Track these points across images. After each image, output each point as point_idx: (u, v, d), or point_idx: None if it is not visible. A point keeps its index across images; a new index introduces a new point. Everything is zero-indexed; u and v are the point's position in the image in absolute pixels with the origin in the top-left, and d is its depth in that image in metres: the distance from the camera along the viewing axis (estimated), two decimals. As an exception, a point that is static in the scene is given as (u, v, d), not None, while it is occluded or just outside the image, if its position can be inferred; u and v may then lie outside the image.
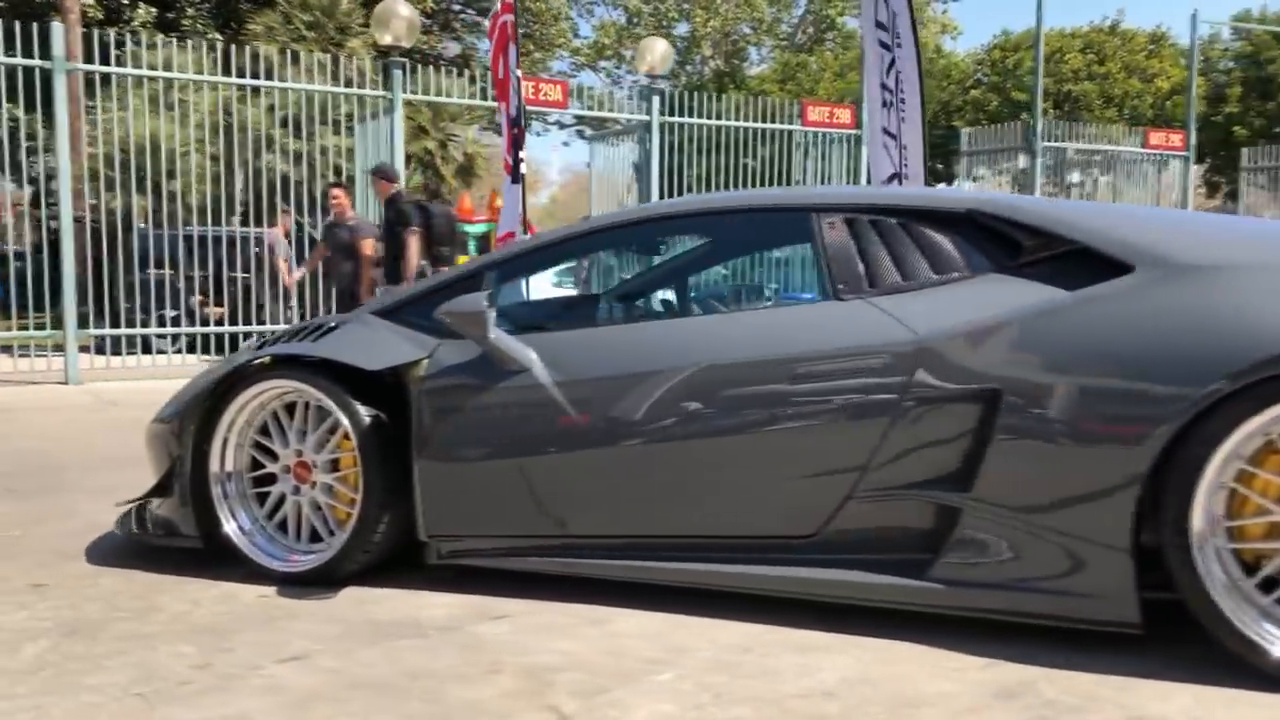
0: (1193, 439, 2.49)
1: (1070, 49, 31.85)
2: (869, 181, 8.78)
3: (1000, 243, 3.02)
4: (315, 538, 3.52)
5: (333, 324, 3.62)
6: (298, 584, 3.43)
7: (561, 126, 34.34)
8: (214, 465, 3.58)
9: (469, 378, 3.33)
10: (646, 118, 13.14)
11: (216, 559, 3.54)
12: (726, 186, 13.76)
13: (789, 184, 14.68)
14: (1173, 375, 2.52)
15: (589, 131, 20.49)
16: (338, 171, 11.91)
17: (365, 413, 3.35)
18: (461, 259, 10.82)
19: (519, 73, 7.46)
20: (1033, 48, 31.49)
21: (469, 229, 14.08)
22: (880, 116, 7.60)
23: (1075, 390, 2.66)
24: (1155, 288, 2.68)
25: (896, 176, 7.43)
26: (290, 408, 3.56)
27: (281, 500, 3.57)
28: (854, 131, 14.32)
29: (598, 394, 3.17)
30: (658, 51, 13.52)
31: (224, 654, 2.83)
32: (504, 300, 3.53)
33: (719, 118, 13.51)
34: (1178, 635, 2.67)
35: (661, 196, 13.00)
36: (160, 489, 3.70)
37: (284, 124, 12.75)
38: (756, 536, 3.04)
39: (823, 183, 14.69)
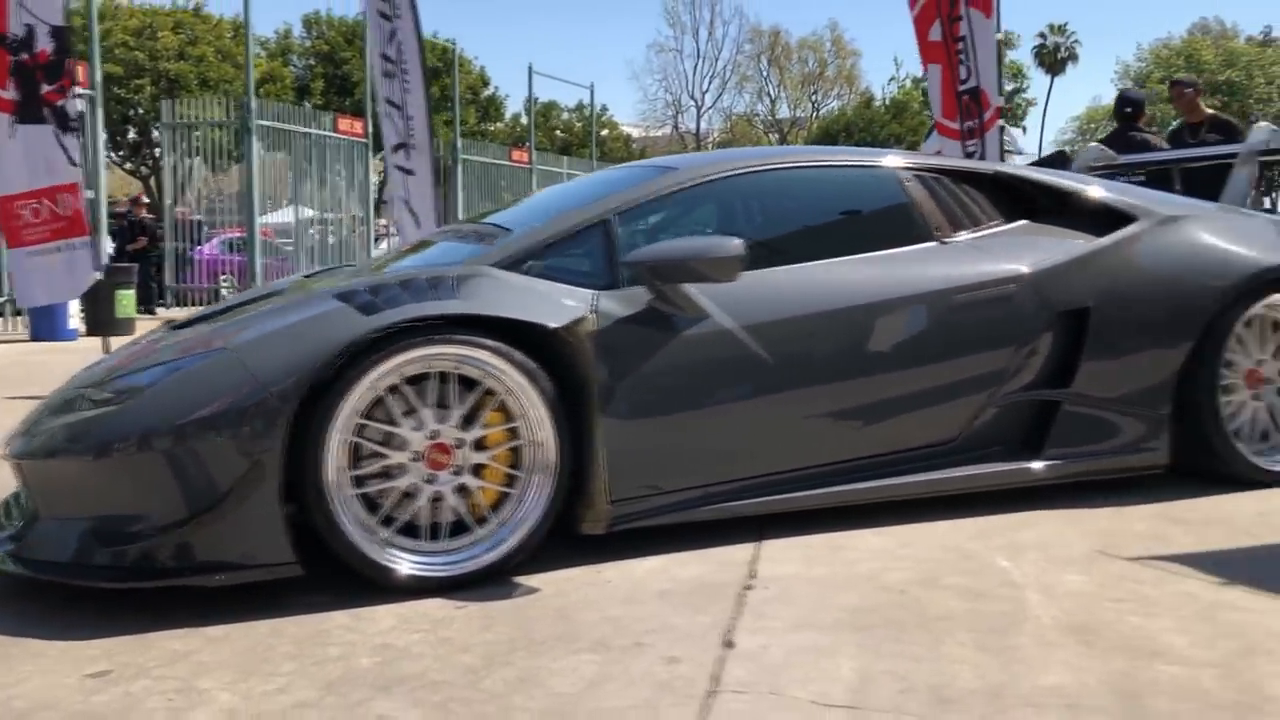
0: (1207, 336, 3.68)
1: (163, 27, 31.36)
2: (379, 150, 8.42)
3: (1016, 198, 3.88)
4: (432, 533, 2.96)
5: (454, 276, 3.02)
6: (460, 587, 2.90)
7: None
8: (329, 469, 2.78)
9: (650, 329, 3.14)
10: None
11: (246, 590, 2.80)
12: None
13: None
14: (1195, 288, 3.69)
15: None
16: None
17: (546, 375, 2.97)
18: None
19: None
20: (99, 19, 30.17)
21: None
22: (384, 86, 7.49)
23: (1138, 305, 3.67)
24: (1161, 230, 3.80)
25: (403, 146, 7.42)
26: (412, 380, 2.91)
27: (399, 497, 2.92)
28: (87, 91, 12.92)
29: (781, 335, 3.27)
30: None
31: (672, 665, 2.47)
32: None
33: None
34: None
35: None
36: (200, 517, 2.72)
37: None
38: (911, 449, 3.49)
39: None
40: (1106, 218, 3.85)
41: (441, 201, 7.20)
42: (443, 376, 2.92)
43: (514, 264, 3.19)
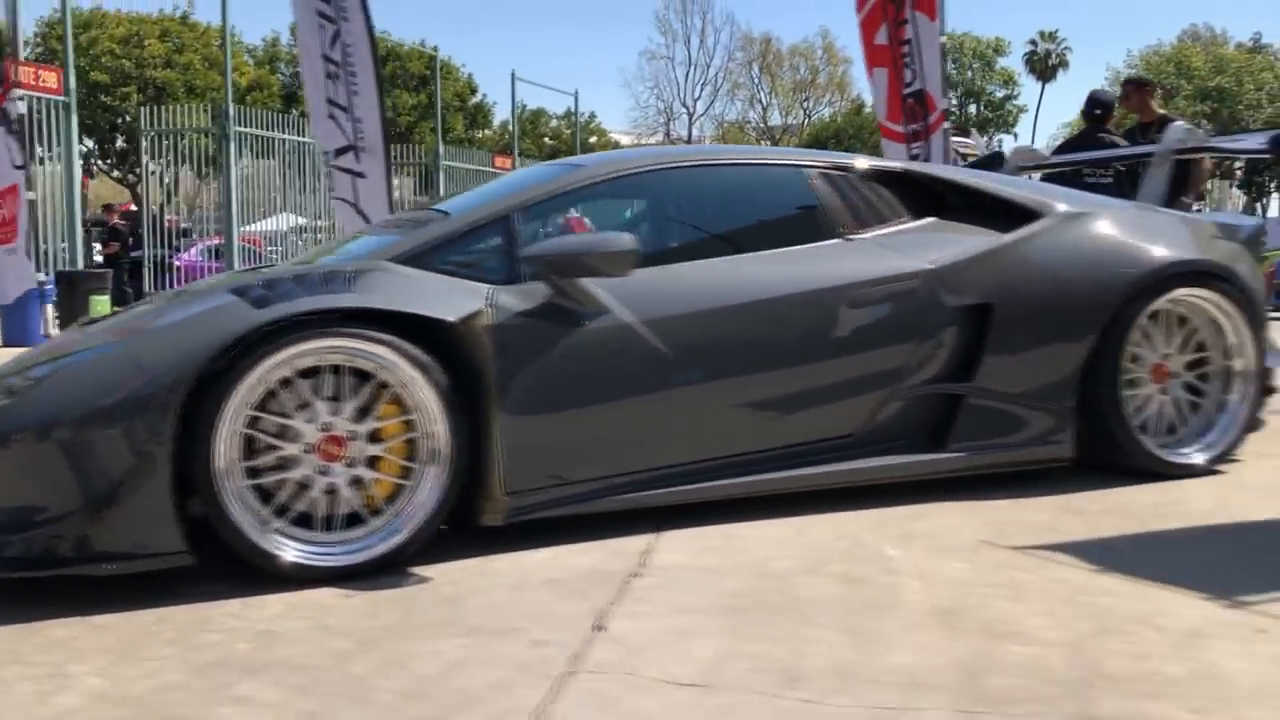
0: (1110, 330, 3.73)
1: (150, 35, 31.42)
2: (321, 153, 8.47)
3: (926, 195, 3.94)
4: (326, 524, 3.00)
5: (350, 271, 3.08)
6: (353, 576, 2.95)
7: None
8: (219, 459, 2.83)
9: (547, 323, 3.19)
10: None
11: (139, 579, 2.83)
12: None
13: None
14: (1097, 282, 3.74)
15: None
16: None
17: (440, 368, 3.03)
18: None
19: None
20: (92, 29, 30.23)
21: None
22: (325, 88, 7.53)
23: (1040, 300, 3.73)
24: (1064, 227, 3.86)
25: (351, 149, 7.46)
26: (306, 374, 2.97)
27: (295, 488, 2.97)
28: (62, 98, 12.97)
29: (681, 329, 3.32)
30: None
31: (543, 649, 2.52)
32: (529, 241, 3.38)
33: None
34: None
35: None
36: (94, 507, 2.77)
37: None
38: (815, 441, 3.54)
39: None
40: (1014, 214, 3.91)
41: (392, 204, 7.23)
42: (336, 370, 2.98)
43: (414, 258, 3.25)
